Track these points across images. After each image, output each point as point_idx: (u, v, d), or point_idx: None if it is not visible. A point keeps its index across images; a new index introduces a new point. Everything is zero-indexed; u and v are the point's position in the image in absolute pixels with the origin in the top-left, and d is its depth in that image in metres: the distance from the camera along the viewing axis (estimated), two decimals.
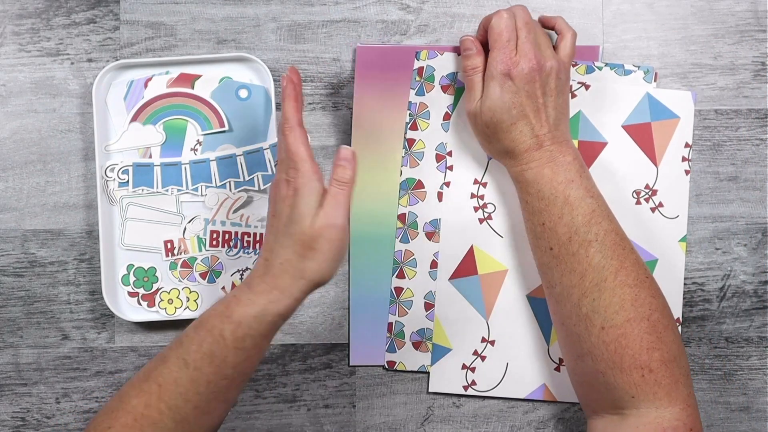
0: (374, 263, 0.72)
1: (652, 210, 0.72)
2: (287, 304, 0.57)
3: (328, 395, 0.74)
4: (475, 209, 0.73)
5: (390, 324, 0.72)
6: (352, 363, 0.73)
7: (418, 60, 0.72)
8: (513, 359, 0.72)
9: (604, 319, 0.61)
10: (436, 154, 0.73)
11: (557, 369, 0.72)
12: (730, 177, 0.74)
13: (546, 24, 0.69)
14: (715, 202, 0.74)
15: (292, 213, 0.57)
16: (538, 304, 0.72)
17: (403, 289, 0.72)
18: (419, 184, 0.73)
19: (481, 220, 0.72)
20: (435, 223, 0.72)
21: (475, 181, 0.73)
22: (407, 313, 0.72)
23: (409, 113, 0.73)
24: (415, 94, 0.73)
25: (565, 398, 0.72)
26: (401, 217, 0.73)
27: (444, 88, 0.72)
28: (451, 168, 0.73)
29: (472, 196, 0.73)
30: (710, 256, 0.74)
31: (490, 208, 0.72)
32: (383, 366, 0.73)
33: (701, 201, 0.74)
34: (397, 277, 0.72)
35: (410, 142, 0.73)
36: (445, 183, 0.73)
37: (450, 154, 0.73)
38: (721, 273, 0.74)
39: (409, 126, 0.73)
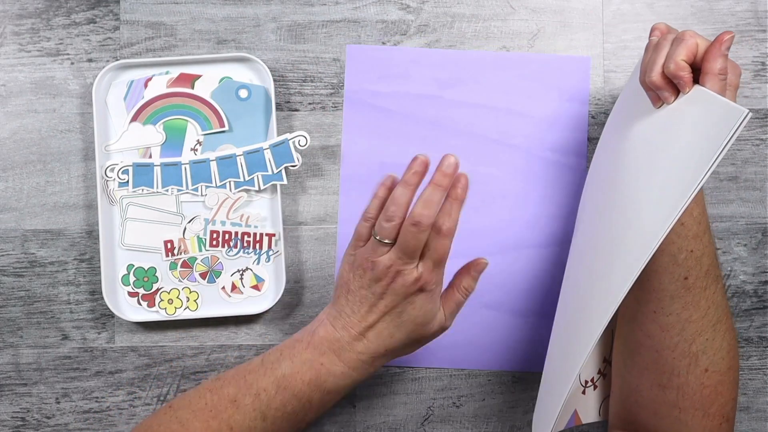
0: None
1: None
2: (371, 373, 0.60)
3: None
4: None
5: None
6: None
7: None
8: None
9: (710, 362, 0.58)
10: None
11: (583, 392, 0.70)
12: (730, 177, 0.74)
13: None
14: (715, 202, 0.74)
15: (413, 310, 0.58)
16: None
17: None
18: None
19: None
20: None
21: None
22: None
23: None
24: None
25: (588, 419, 0.70)
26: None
27: None
28: None
29: None
30: None
31: None
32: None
33: None
34: None
35: None
36: None
37: None
38: (721, 273, 0.74)
39: None
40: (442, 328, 0.60)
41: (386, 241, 0.56)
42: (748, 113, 0.48)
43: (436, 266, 0.57)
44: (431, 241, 0.56)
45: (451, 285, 0.61)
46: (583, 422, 0.70)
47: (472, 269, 0.60)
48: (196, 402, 0.60)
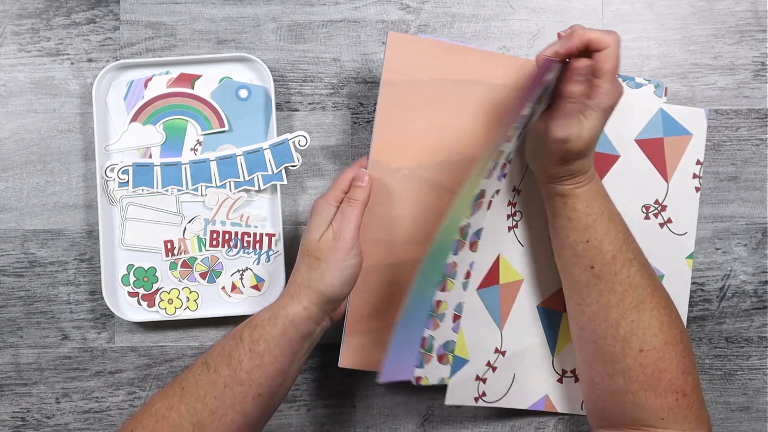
0: (426, 278, 0.62)
1: (661, 225, 0.72)
2: (295, 309, 0.61)
3: (328, 395, 0.74)
4: (508, 217, 0.70)
5: (424, 339, 0.66)
6: (383, 380, 0.62)
7: (549, 72, 0.58)
8: (520, 370, 0.72)
9: (643, 342, 0.60)
10: (503, 163, 0.65)
11: (560, 380, 0.72)
12: (730, 177, 0.74)
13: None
14: (715, 202, 0.74)
15: (306, 231, 0.64)
16: (547, 315, 0.71)
17: (441, 302, 0.66)
18: (482, 194, 0.64)
19: (509, 228, 0.71)
20: (479, 233, 0.67)
21: (514, 188, 0.70)
22: (440, 326, 0.67)
23: (515, 126, 0.60)
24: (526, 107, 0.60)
25: (566, 409, 0.72)
26: (462, 230, 0.64)
27: (540, 98, 0.62)
28: (505, 176, 0.68)
29: (509, 203, 0.70)
30: (710, 256, 0.74)
31: (518, 217, 0.71)
32: (410, 381, 0.66)
33: (701, 201, 0.74)
34: (440, 290, 0.65)
35: (499, 154, 0.62)
36: (496, 191, 0.68)
37: (510, 161, 0.67)
38: (721, 273, 0.74)
39: (504, 139, 0.61)
40: (333, 235, 0.62)
41: None
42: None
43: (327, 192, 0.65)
44: None
45: None
46: (559, 410, 0.73)
47: (356, 180, 0.64)
48: (166, 384, 0.63)
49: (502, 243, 0.70)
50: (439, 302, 0.66)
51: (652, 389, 0.59)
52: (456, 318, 0.68)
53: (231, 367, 0.60)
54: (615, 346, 0.61)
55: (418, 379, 0.66)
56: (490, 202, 0.68)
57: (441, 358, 0.68)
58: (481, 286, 0.70)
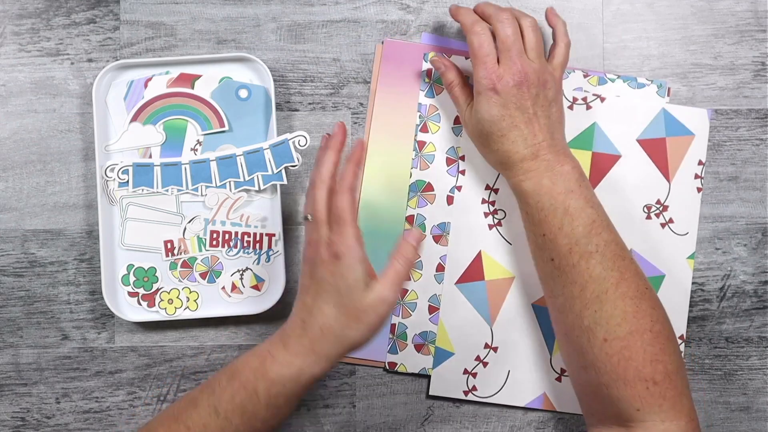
0: (379, 261, 0.67)
1: (662, 225, 0.72)
2: (323, 367, 0.58)
3: (328, 395, 0.74)
4: (486, 215, 0.72)
5: (393, 325, 0.72)
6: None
7: (426, 61, 0.73)
8: (515, 367, 0.72)
9: (606, 331, 0.60)
10: (447, 158, 0.73)
11: (558, 379, 0.72)
12: (730, 177, 0.74)
13: (549, 21, 0.69)
14: (715, 202, 0.74)
15: (336, 282, 0.56)
16: (543, 313, 0.72)
17: (407, 291, 0.72)
18: (429, 187, 0.72)
19: (490, 226, 0.72)
20: (443, 227, 0.72)
21: (487, 187, 0.72)
22: (411, 315, 0.72)
23: (420, 115, 0.73)
24: (425, 96, 0.73)
25: (565, 408, 0.72)
26: (409, 219, 0.72)
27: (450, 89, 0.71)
28: (463, 172, 0.72)
29: (483, 201, 0.72)
30: (710, 256, 0.74)
31: (500, 215, 0.72)
32: (383, 367, 0.72)
33: (701, 201, 0.74)
34: None
35: (420, 145, 0.73)
36: (456, 187, 0.72)
37: (462, 158, 0.72)
38: (721, 273, 0.74)
39: (419, 128, 0.73)
40: (382, 300, 0.56)
41: (308, 217, 0.59)
42: None
43: (339, 226, 0.57)
44: (332, 202, 0.58)
45: (391, 255, 0.59)
46: (558, 410, 0.73)
47: (409, 237, 0.59)
48: (167, 410, 0.61)
49: (483, 240, 0.72)
50: (404, 290, 0.72)
51: (621, 379, 0.60)
52: (433, 309, 0.72)
53: (245, 417, 0.57)
54: (582, 338, 0.61)
55: (392, 364, 0.72)
56: (450, 197, 0.72)
57: (419, 348, 0.72)
58: (462, 280, 0.72)
